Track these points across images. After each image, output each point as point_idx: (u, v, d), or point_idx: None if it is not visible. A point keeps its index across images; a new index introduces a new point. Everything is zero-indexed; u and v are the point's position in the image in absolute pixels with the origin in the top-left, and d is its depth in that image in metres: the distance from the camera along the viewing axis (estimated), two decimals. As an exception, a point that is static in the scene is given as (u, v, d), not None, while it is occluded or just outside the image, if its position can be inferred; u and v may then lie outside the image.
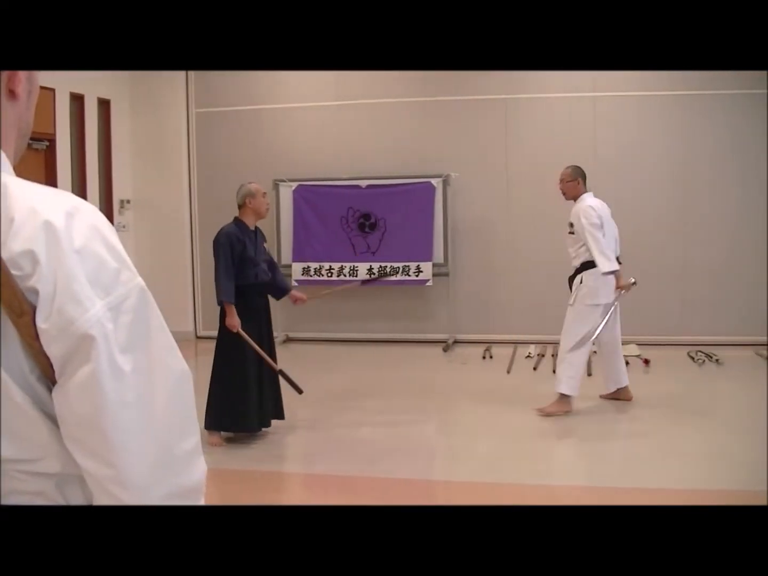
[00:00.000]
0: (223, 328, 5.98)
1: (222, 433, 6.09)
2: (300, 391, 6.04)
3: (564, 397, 6.73)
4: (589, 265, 6.70)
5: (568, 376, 6.69)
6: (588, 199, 6.81)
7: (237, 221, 6.07)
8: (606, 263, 6.54)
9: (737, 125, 9.44)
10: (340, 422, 6.74)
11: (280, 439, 6.25)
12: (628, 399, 7.05)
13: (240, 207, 6.08)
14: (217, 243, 5.96)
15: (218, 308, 6.06)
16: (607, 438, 6.28)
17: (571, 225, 6.85)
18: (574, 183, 6.88)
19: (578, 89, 9.69)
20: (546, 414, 6.71)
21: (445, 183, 9.91)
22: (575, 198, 6.89)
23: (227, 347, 5.99)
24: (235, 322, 5.84)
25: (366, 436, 6.44)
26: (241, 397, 5.93)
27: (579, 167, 6.96)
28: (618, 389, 7.07)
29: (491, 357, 9.30)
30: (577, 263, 6.83)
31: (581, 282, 6.75)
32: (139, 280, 1.13)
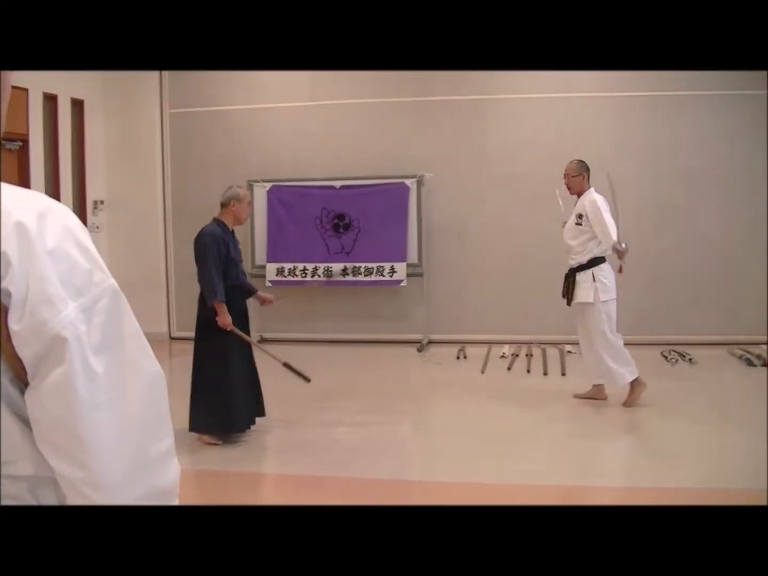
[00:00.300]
0: (201, 330, 5.94)
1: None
2: (308, 380, 6.19)
3: (634, 382, 6.86)
4: (598, 261, 6.80)
5: (622, 366, 6.83)
6: (594, 193, 6.87)
7: (218, 222, 6.01)
8: (615, 234, 6.63)
9: (727, 126, 9.50)
10: (315, 422, 6.72)
11: (256, 439, 6.22)
12: (603, 398, 7.09)
13: (223, 206, 6.02)
14: (203, 243, 5.86)
15: (194, 309, 6.02)
16: (585, 436, 6.28)
17: (580, 216, 6.88)
18: (580, 178, 6.92)
19: (554, 90, 9.71)
20: (629, 405, 6.83)
21: (420, 183, 9.92)
22: (580, 193, 6.93)
23: (210, 349, 5.93)
24: (227, 320, 5.81)
25: (341, 436, 6.43)
26: (231, 398, 5.91)
27: (583, 162, 6.99)
28: (594, 386, 7.11)
29: (465, 357, 9.31)
30: (583, 259, 6.87)
31: (594, 280, 6.81)
32: (112, 282, 1.12)
